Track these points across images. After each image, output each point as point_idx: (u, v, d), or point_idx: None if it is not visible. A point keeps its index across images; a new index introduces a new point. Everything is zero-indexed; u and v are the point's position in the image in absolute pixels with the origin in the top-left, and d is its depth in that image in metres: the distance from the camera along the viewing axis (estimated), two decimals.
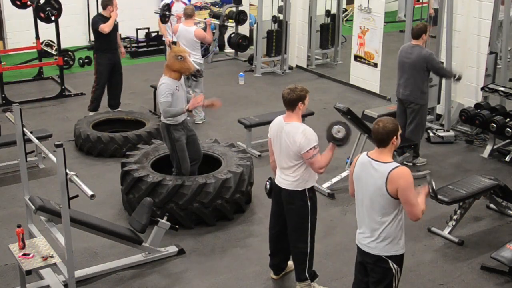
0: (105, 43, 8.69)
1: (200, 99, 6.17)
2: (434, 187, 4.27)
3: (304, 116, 5.06)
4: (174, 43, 8.98)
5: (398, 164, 4.08)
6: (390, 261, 4.17)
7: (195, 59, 8.79)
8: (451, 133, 8.48)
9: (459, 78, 7.77)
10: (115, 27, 8.81)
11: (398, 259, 4.22)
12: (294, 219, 5.03)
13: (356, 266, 4.44)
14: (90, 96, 9.07)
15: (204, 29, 9.10)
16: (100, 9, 12.41)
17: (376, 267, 4.22)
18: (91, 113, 8.78)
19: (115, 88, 9.02)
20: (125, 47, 12.47)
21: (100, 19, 8.66)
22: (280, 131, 4.91)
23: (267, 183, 5.27)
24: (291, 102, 4.85)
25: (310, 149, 4.77)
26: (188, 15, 8.82)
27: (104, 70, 8.78)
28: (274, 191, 5.15)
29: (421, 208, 4.09)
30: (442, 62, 8.48)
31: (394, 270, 4.19)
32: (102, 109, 8.97)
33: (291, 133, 4.82)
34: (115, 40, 8.87)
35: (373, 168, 4.08)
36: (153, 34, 12.56)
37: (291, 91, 4.84)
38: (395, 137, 4.10)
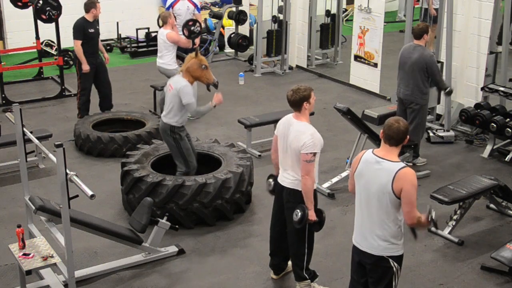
0: (87, 47, 8.56)
1: (221, 96, 6.45)
2: (434, 217, 4.26)
3: None
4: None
5: (405, 165, 4.10)
6: (390, 260, 4.18)
7: (161, 64, 8.85)
8: (451, 133, 8.48)
9: (449, 92, 7.76)
10: (97, 31, 8.73)
11: (399, 259, 4.22)
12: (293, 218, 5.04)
13: (353, 266, 4.43)
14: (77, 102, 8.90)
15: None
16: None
17: (376, 267, 4.22)
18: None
19: (104, 90, 8.91)
20: (125, 47, 12.54)
21: (84, 23, 8.53)
22: (288, 128, 4.92)
23: (270, 180, 5.25)
24: (296, 104, 4.86)
25: (311, 153, 4.77)
26: (162, 21, 8.91)
27: (88, 74, 8.64)
28: (276, 190, 5.16)
29: (418, 214, 4.11)
30: (442, 63, 8.50)
31: (394, 269, 4.19)
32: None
33: (300, 131, 4.83)
34: (97, 44, 8.76)
35: (379, 166, 4.08)
36: (153, 34, 12.55)
37: (294, 93, 4.85)
38: (407, 138, 4.13)
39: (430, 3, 10.21)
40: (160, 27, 9.65)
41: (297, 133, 4.84)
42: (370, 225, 4.18)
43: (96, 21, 8.75)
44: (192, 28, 9.21)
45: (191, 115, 6.36)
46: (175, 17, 9.96)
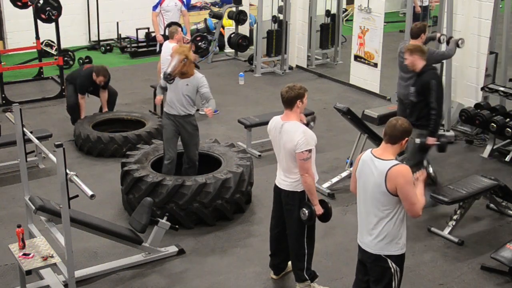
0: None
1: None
2: (431, 171, 4.25)
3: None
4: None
5: (398, 162, 4.08)
6: (389, 260, 4.17)
7: None
8: (451, 133, 8.47)
9: (462, 42, 7.55)
10: (98, 90, 8.54)
11: (398, 259, 4.21)
12: (293, 220, 5.03)
13: (357, 265, 4.44)
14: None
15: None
16: (100, 10, 12.60)
17: (374, 265, 4.22)
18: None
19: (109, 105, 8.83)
20: (125, 47, 12.55)
21: (88, 80, 8.38)
22: (279, 131, 4.91)
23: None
24: (289, 101, 4.85)
25: (306, 150, 4.75)
26: (169, 35, 8.90)
27: (72, 94, 8.52)
28: (275, 192, 5.15)
29: (421, 203, 4.08)
30: (442, 63, 8.49)
31: (392, 269, 4.18)
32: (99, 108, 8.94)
33: (291, 132, 4.82)
34: (92, 94, 8.65)
35: (374, 165, 4.09)
36: (153, 34, 12.54)
37: (289, 89, 4.84)
38: (406, 139, 4.11)
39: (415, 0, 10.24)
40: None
41: (288, 133, 4.83)
42: (368, 224, 4.18)
43: (104, 85, 8.54)
44: (199, 43, 9.26)
45: None
46: (162, 14, 10.06)
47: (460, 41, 7.48)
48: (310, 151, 4.77)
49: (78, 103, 8.46)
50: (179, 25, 9.51)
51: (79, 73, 8.56)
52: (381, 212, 4.10)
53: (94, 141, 7.81)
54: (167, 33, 9.29)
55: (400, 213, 4.11)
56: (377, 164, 4.08)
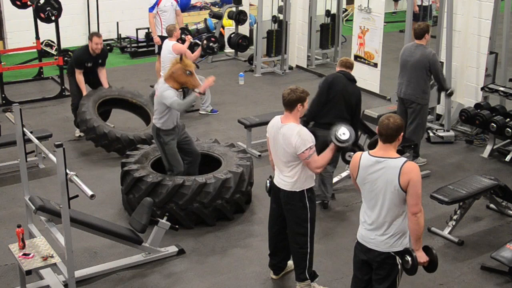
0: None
1: (211, 80, 6.37)
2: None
3: (304, 117, 5.09)
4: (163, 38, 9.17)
5: (407, 159, 4.13)
6: (397, 257, 4.20)
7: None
8: (451, 133, 8.48)
9: (450, 94, 7.76)
10: (97, 64, 8.29)
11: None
12: (293, 219, 5.03)
13: (357, 264, 4.43)
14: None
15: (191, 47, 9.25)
16: (100, 10, 12.60)
17: (383, 264, 4.23)
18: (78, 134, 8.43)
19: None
20: (125, 47, 12.55)
21: (84, 54, 8.16)
22: (277, 132, 4.91)
23: (267, 181, 5.27)
24: (291, 103, 4.85)
25: (306, 149, 4.77)
26: (167, 33, 8.91)
27: (75, 91, 8.32)
28: (273, 191, 5.15)
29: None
30: (442, 63, 8.50)
31: (400, 266, 4.22)
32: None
33: (287, 135, 4.82)
34: (94, 78, 8.38)
35: (382, 165, 4.09)
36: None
37: (292, 92, 4.84)
38: (402, 134, 4.13)
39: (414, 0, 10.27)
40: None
41: (285, 137, 4.84)
42: (379, 224, 4.18)
43: (101, 55, 8.30)
44: (211, 44, 9.35)
45: (179, 112, 6.31)
46: (160, 15, 10.08)
47: (450, 91, 7.80)
48: (310, 147, 4.78)
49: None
50: (185, 28, 9.54)
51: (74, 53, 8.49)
52: (394, 211, 4.12)
53: (100, 135, 7.70)
54: (164, 34, 9.31)
55: (406, 210, 4.16)
56: (386, 163, 4.08)
